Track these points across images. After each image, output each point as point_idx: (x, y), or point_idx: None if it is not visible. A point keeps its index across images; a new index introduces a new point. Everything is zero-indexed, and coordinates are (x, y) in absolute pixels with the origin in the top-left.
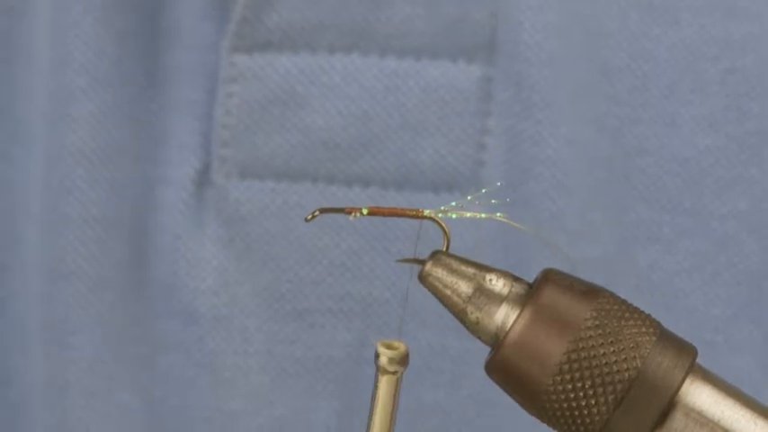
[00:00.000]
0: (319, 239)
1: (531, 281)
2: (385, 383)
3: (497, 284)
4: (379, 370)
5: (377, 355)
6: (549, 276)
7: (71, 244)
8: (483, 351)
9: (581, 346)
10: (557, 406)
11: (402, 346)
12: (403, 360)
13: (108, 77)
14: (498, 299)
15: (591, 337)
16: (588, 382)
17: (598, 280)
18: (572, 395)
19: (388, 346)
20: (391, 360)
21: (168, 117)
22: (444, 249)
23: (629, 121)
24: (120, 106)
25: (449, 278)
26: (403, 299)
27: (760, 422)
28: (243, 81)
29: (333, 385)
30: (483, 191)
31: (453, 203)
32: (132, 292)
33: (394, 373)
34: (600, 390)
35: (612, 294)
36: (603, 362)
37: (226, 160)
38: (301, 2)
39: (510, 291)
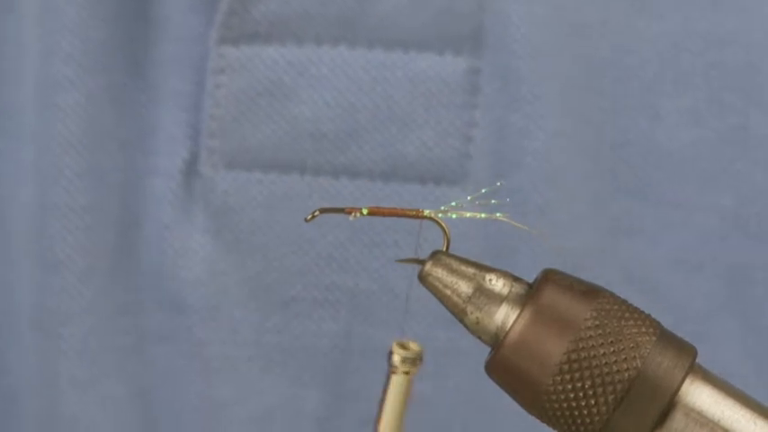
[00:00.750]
0: (306, 230)
1: (530, 281)
2: (395, 383)
3: (497, 284)
4: (391, 368)
5: (390, 353)
6: (548, 276)
7: (59, 233)
8: (469, 343)
9: (581, 346)
10: (557, 406)
11: (417, 347)
12: (416, 361)
13: (95, 66)
14: (498, 299)
15: (591, 337)
16: (588, 382)
17: (582, 271)
18: (572, 395)
19: (403, 346)
20: (404, 360)
21: (156, 108)
22: (444, 249)
23: (612, 113)
24: (108, 95)
25: (449, 278)
26: (404, 294)
27: (760, 422)
28: (231, 72)
29: (320, 375)
30: (483, 191)
31: (453, 203)
32: (120, 282)
33: (406, 373)
34: (600, 390)
35: (612, 294)
36: (603, 362)
37: (214, 151)
38: None
39: (510, 291)
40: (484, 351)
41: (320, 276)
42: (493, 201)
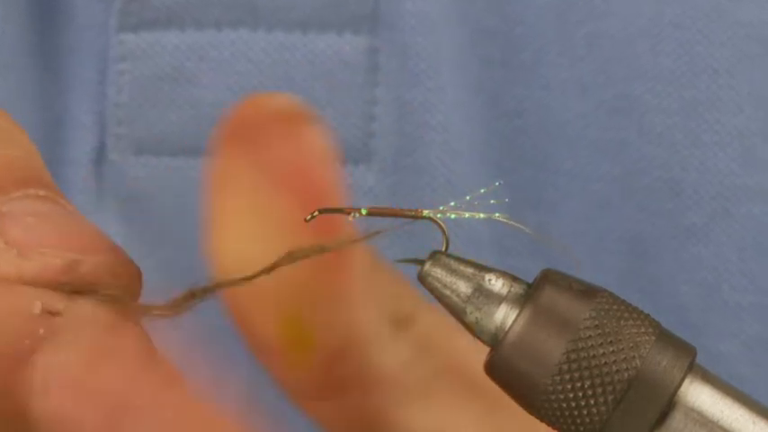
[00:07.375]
0: None
1: (530, 281)
2: None
3: (496, 284)
4: None
5: None
6: (548, 276)
7: None
8: None
9: (580, 346)
10: (556, 406)
11: None
12: None
13: (11, 62)
14: (497, 299)
15: (590, 336)
16: (588, 382)
17: (492, 246)
18: (571, 395)
19: None
20: None
21: (66, 98)
22: (443, 249)
23: (504, 82)
24: (24, 90)
25: (448, 278)
26: None
27: (759, 422)
28: (132, 59)
29: (239, 356)
30: (482, 191)
31: (452, 203)
32: None
33: None
34: (599, 390)
35: (611, 294)
36: (603, 362)
37: (121, 138)
38: None
39: (509, 291)
40: None
41: None
42: (492, 201)
